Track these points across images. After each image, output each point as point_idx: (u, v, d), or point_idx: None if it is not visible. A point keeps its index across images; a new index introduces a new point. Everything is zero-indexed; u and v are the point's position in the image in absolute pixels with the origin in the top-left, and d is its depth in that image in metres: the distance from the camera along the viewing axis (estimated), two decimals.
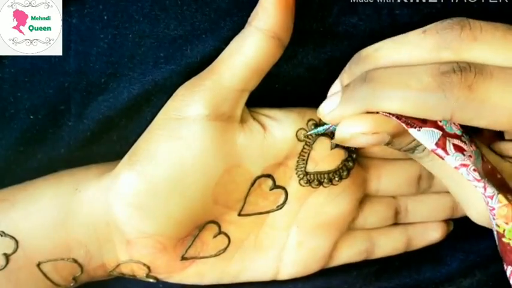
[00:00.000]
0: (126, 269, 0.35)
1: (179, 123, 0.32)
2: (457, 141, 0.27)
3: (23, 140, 0.35)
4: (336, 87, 0.32)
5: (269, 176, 0.34)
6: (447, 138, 0.27)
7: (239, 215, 0.35)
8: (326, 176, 0.35)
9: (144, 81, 0.34)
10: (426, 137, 0.27)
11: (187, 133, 0.32)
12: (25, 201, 0.33)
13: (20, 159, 0.36)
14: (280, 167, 0.35)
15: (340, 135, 0.29)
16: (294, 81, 0.36)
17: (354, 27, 0.35)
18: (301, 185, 0.35)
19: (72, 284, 0.35)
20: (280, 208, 0.35)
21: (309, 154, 0.34)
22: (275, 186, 0.35)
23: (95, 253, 0.34)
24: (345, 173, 0.35)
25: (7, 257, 0.33)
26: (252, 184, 0.34)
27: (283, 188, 0.35)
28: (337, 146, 0.34)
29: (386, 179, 0.37)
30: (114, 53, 0.34)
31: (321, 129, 0.33)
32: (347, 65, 0.32)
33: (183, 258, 0.35)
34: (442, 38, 0.27)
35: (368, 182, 0.37)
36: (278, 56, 0.32)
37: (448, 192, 0.37)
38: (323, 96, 0.36)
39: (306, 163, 0.34)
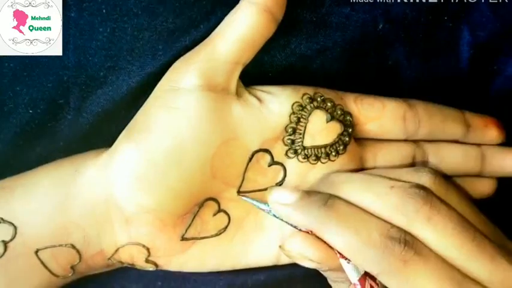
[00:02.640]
0: (125, 255, 0.35)
1: (175, 94, 0.32)
2: (373, 283, 0.31)
3: (22, 134, 0.35)
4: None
5: (267, 151, 0.35)
6: (367, 278, 0.31)
7: (238, 192, 0.35)
8: (323, 150, 0.35)
9: (143, 74, 0.35)
10: (352, 271, 0.31)
11: (183, 103, 0.32)
12: (24, 187, 0.33)
13: (19, 153, 0.36)
14: (278, 142, 0.35)
15: (286, 248, 0.32)
16: (286, 70, 0.37)
17: (346, 18, 0.36)
18: (299, 161, 0.35)
19: (70, 274, 0.35)
20: (280, 185, 0.36)
21: (305, 128, 0.35)
22: (273, 162, 0.35)
23: (93, 237, 0.34)
24: (341, 147, 0.35)
25: (5, 244, 0.33)
26: (250, 159, 0.35)
27: (282, 165, 0.35)
28: (332, 118, 0.35)
29: (382, 158, 0.37)
30: (112, 46, 0.34)
31: (258, 204, 0.35)
32: (317, 181, 0.35)
33: (183, 238, 0.35)
34: (403, 204, 0.31)
35: (364, 160, 0.37)
36: (271, 31, 0.33)
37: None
38: (316, 86, 0.37)
39: (303, 137, 0.35)
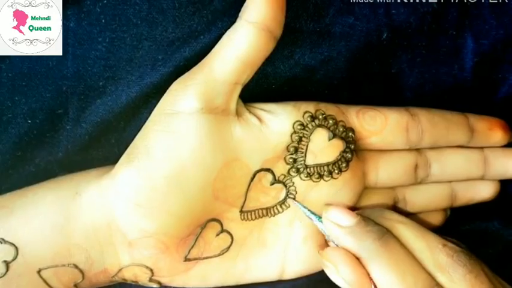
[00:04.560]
0: (128, 274, 0.34)
1: (174, 117, 0.32)
2: None
3: (21, 144, 0.35)
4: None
5: (268, 170, 0.34)
6: None
7: (241, 211, 0.35)
8: (326, 168, 0.35)
9: (143, 84, 0.34)
10: None
11: (183, 127, 0.32)
12: (24, 208, 0.33)
13: (17, 163, 0.36)
14: (279, 161, 0.35)
15: (324, 254, 0.33)
16: (290, 82, 0.36)
17: (350, 27, 0.35)
18: (301, 179, 0.35)
19: None
20: (282, 204, 0.35)
21: (307, 146, 0.35)
22: (275, 180, 0.35)
23: (96, 258, 0.33)
24: (344, 165, 0.35)
25: (7, 264, 0.32)
26: (252, 179, 0.34)
27: (284, 183, 0.35)
28: (334, 136, 0.35)
29: (385, 170, 0.37)
30: (112, 56, 0.34)
31: (308, 213, 0.35)
32: (370, 211, 0.35)
33: (186, 259, 0.34)
34: (451, 265, 0.31)
35: (367, 175, 0.37)
36: (270, 49, 0.32)
37: (447, 181, 0.39)
38: (320, 96, 0.37)
39: (305, 156, 0.35)
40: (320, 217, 0.34)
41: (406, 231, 0.32)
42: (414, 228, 0.33)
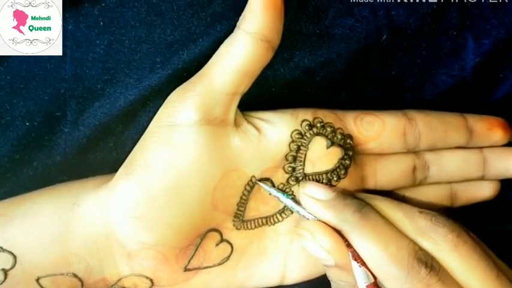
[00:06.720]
0: (128, 283, 0.34)
1: (172, 129, 0.32)
2: None
3: (19, 147, 0.35)
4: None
5: (268, 179, 0.34)
6: (376, 286, 0.31)
7: (242, 221, 0.35)
8: (324, 176, 0.35)
9: (141, 87, 0.34)
10: (362, 276, 0.31)
11: (181, 139, 0.32)
12: (23, 217, 0.33)
13: (16, 166, 0.36)
14: (278, 170, 0.35)
15: (301, 226, 0.32)
16: (290, 84, 0.36)
17: (350, 29, 0.35)
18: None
19: None
20: (281, 213, 0.35)
21: (305, 155, 0.34)
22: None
23: (96, 267, 0.33)
24: (342, 172, 0.35)
25: (5, 272, 0.32)
26: (251, 188, 0.34)
27: (284, 192, 0.35)
28: (332, 144, 0.34)
29: (383, 174, 0.37)
30: (110, 59, 0.34)
31: (276, 192, 0.34)
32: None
33: (186, 269, 0.34)
34: (431, 228, 0.31)
35: (365, 179, 0.37)
36: (268, 59, 0.32)
37: (446, 182, 0.38)
38: (320, 99, 0.36)
39: (304, 164, 0.34)
40: (288, 194, 0.34)
41: (382, 204, 0.32)
42: (388, 201, 0.33)
